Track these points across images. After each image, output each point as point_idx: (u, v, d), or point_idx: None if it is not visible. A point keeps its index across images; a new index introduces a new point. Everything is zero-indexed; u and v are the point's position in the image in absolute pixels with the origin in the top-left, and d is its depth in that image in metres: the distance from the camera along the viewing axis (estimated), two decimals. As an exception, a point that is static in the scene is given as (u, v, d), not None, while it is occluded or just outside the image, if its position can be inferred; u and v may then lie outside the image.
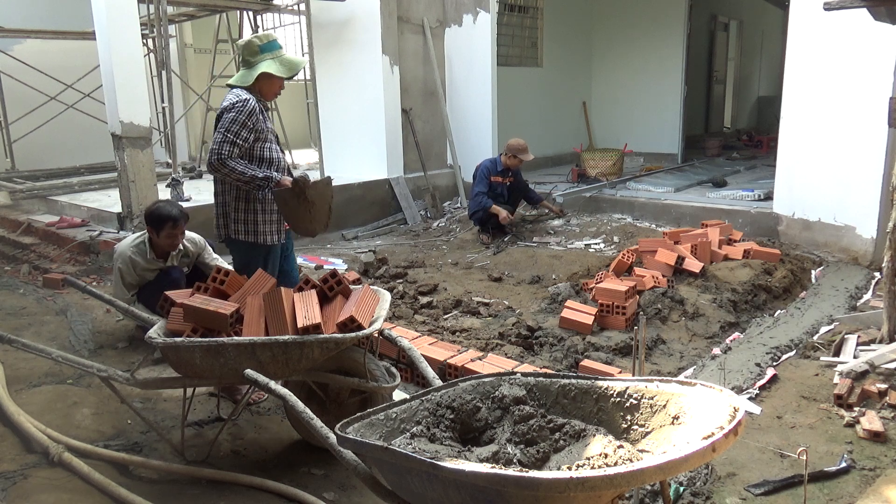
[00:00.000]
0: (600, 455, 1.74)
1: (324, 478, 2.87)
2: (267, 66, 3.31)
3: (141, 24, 6.43)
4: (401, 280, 5.52)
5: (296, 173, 3.57)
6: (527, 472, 1.51)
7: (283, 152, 3.60)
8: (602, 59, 11.29)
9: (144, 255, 4.02)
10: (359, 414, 1.96)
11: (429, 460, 1.60)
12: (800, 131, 6.00)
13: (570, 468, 1.58)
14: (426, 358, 2.84)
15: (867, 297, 4.89)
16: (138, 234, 4.18)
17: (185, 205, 6.37)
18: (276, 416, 3.44)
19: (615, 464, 1.66)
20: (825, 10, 4.00)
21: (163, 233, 3.91)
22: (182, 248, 4.14)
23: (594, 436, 1.94)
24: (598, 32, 11.24)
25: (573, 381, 2.13)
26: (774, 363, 3.83)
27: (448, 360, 3.64)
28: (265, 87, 3.40)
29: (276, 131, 3.59)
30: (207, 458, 2.96)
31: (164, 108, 7.40)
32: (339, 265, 6.02)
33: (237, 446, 3.13)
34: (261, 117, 3.33)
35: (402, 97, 8.08)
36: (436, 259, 6.32)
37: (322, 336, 2.55)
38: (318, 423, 2.13)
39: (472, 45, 8.52)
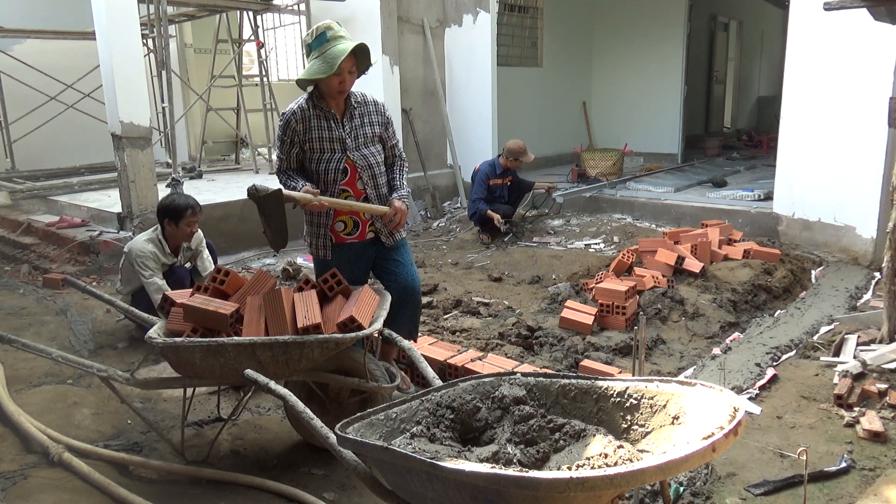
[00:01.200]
0: (600, 455, 1.74)
1: (324, 478, 2.87)
2: (305, 70, 2.95)
3: (141, 24, 6.43)
4: (401, 280, 5.51)
5: None
6: (527, 472, 1.50)
7: (351, 161, 3.08)
8: (602, 59, 11.29)
9: (162, 250, 4.17)
10: (359, 414, 1.96)
11: (429, 460, 1.60)
12: (800, 131, 6.00)
13: (570, 468, 1.58)
14: (426, 358, 2.84)
15: (867, 297, 4.89)
16: (147, 232, 4.25)
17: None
18: (276, 416, 3.44)
19: (615, 464, 1.66)
20: (825, 10, 4.00)
21: (182, 221, 4.10)
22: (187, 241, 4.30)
23: (594, 436, 1.94)
24: (598, 32, 11.24)
25: (573, 381, 2.13)
26: (774, 363, 3.83)
27: (448, 360, 3.64)
28: (324, 90, 3.01)
29: (347, 137, 3.07)
30: (207, 458, 2.96)
31: (164, 108, 7.41)
32: (339, 265, 6.00)
33: (237, 446, 3.13)
34: (300, 128, 3.03)
35: (402, 97, 8.08)
36: (436, 259, 6.32)
37: (322, 336, 2.55)
38: (318, 423, 2.13)
39: (472, 45, 8.53)
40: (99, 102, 7.40)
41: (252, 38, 9.21)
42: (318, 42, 2.91)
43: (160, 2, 6.98)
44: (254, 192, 2.82)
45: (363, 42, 2.94)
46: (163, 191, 6.44)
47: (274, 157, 3.10)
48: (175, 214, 4.09)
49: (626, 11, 10.85)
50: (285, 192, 2.88)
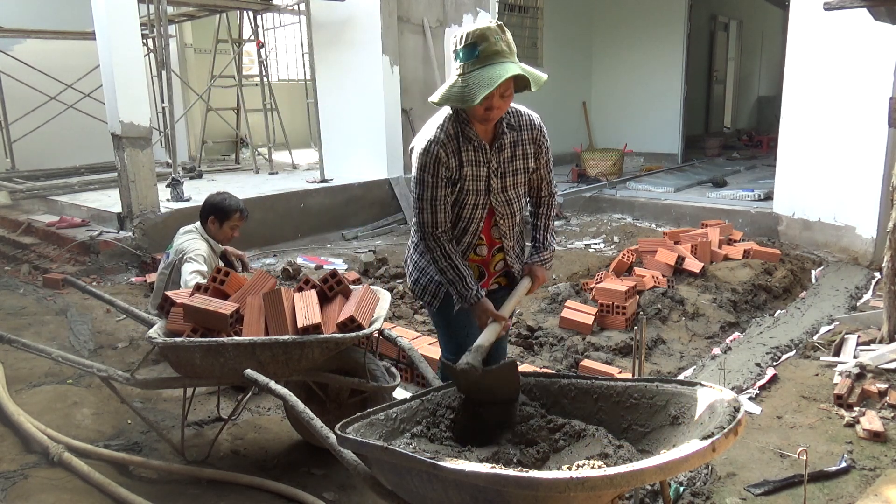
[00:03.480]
0: (600, 455, 1.74)
1: (324, 478, 2.87)
2: (443, 91, 2.17)
3: (141, 24, 6.44)
4: (401, 280, 5.52)
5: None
6: (527, 472, 1.50)
7: (492, 205, 2.35)
8: (602, 59, 11.29)
9: (211, 248, 3.90)
10: (359, 414, 1.96)
11: (429, 460, 1.59)
12: (800, 131, 6.00)
13: (570, 468, 1.58)
14: (426, 358, 2.84)
15: (867, 297, 4.89)
16: (188, 232, 3.92)
17: (184, 205, 6.39)
18: (276, 416, 3.44)
19: (615, 464, 1.66)
20: (825, 10, 4.00)
21: (228, 223, 3.88)
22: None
23: (594, 436, 1.94)
24: (598, 32, 11.24)
25: (573, 381, 2.13)
26: (774, 363, 3.83)
27: (448, 360, 3.64)
28: (467, 110, 2.22)
29: (493, 175, 2.31)
30: (207, 458, 2.96)
31: (164, 108, 7.41)
32: (339, 265, 6.02)
33: (237, 446, 3.13)
34: (453, 163, 2.24)
35: (402, 97, 8.08)
36: (436, 259, 6.31)
37: (322, 336, 2.55)
38: (318, 423, 2.12)
39: (472, 45, 8.51)
40: (99, 102, 7.40)
41: (252, 38, 9.21)
42: (465, 54, 2.13)
43: (160, 2, 6.98)
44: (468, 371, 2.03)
45: (526, 69, 2.12)
46: (163, 191, 6.45)
47: (414, 212, 2.32)
48: (223, 214, 3.86)
49: (626, 11, 10.85)
50: (478, 355, 2.08)
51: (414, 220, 2.40)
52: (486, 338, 2.17)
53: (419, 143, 2.25)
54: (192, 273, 3.51)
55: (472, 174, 2.26)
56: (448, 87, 2.16)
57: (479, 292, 2.27)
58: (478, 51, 2.10)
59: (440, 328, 2.58)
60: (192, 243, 3.76)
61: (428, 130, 2.25)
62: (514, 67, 2.09)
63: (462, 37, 2.13)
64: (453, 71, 2.18)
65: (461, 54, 2.14)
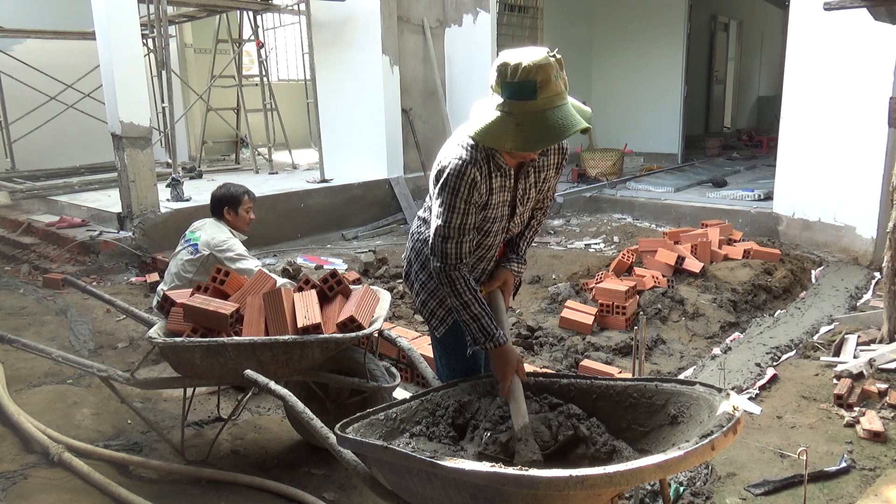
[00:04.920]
0: (574, 437, 1.74)
1: (324, 478, 2.87)
2: (482, 127, 1.87)
3: (141, 24, 6.44)
4: (401, 280, 5.52)
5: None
6: (526, 470, 1.51)
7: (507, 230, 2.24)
8: (602, 59, 11.29)
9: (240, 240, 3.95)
10: (359, 414, 1.96)
11: (428, 460, 1.60)
12: (800, 131, 6.00)
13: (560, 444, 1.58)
14: (426, 358, 2.84)
15: (867, 297, 4.89)
16: (212, 227, 3.91)
17: (184, 205, 6.39)
18: (276, 416, 3.44)
19: (590, 441, 1.65)
20: (825, 10, 4.00)
21: (242, 207, 3.92)
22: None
23: (589, 429, 1.94)
24: (598, 32, 11.24)
25: (573, 381, 2.13)
26: (774, 363, 3.83)
27: (448, 360, 3.63)
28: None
29: (518, 202, 2.18)
30: (207, 458, 2.96)
31: (164, 108, 7.41)
32: (339, 265, 6.02)
33: (237, 446, 3.13)
34: (484, 188, 2.03)
35: (402, 97, 8.08)
36: (436, 259, 6.31)
37: (322, 336, 2.55)
38: (317, 423, 2.13)
39: (472, 45, 8.53)
40: (99, 102, 7.41)
41: (252, 38, 9.22)
42: (516, 91, 1.82)
43: (160, 2, 6.99)
44: None
45: (581, 108, 1.90)
46: (163, 191, 6.45)
47: (440, 227, 2.03)
48: (234, 200, 3.89)
49: (626, 11, 10.85)
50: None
51: (426, 240, 2.19)
52: (523, 409, 1.92)
53: (450, 165, 1.97)
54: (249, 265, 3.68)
55: (498, 201, 2.09)
56: (490, 124, 1.86)
57: (505, 333, 2.05)
58: (537, 91, 1.80)
59: (443, 355, 2.41)
60: (229, 238, 3.82)
61: (457, 151, 1.99)
62: (575, 115, 1.85)
63: (515, 69, 1.80)
64: (491, 103, 1.89)
65: (512, 90, 1.82)
